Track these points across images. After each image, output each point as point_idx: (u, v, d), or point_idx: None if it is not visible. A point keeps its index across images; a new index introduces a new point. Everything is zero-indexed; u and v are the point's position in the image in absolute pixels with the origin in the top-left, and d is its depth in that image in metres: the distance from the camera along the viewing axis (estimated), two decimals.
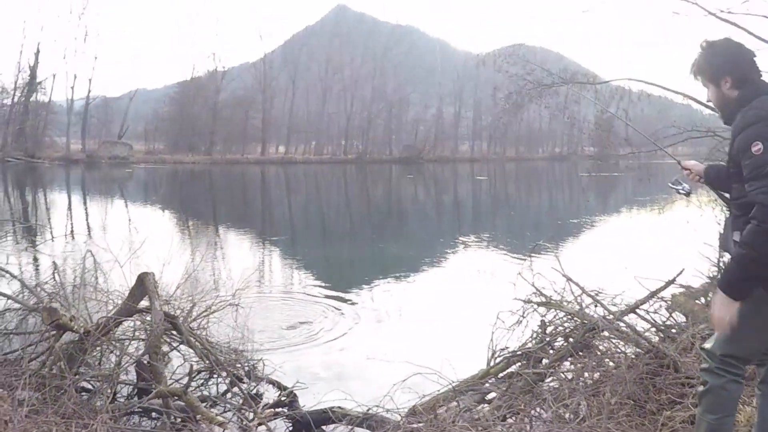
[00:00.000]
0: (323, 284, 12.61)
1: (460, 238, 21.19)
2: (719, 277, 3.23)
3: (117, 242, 7.98)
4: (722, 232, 3.62)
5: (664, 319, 6.79)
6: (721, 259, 7.28)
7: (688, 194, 4.13)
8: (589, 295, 6.36)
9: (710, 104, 3.66)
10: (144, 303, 6.18)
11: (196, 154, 76.35)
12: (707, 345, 3.46)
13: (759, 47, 3.63)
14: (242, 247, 17.22)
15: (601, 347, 5.77)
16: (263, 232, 22.59)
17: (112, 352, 6.19)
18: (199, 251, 12.60)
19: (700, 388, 3.45)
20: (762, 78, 3.42)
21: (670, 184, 4.02)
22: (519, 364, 6.06)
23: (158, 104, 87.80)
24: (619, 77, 10.98)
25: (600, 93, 11.48)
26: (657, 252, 8.35)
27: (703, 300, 7.70)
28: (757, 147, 3.07)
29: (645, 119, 16.86)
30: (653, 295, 6.58)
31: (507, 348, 6.34)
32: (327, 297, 11.38)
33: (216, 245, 17.79)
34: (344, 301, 11.06)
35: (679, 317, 7.10)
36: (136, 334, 6.45)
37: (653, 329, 6.26)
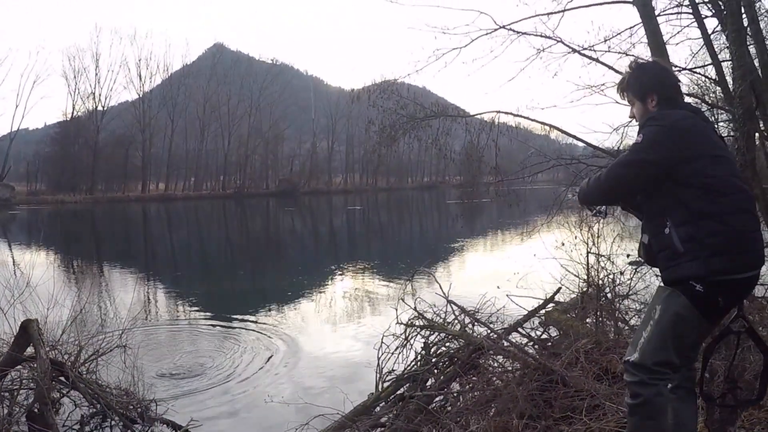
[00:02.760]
0: (212, 319, 12.21)
1: (343, 267, 21.07)
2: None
3: (0, 288, 7.38)
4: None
5: (540, 334, 6.84)
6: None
7: (604, 216, 4.14)
8: (470, 316, 6.33)
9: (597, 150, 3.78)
10: (31, 350, 5.76)
11: (78, 194, 73.34)
12: (632, 358, 3.25)
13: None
14: (129, 285, 16.48)
15: (486, 366, 5.71)
16: (149, 268, 21.75)
17: (1, 403, 5.71)
18: (85, 292, 11.88)
19: (630, 401, 3.22)
20: (684, 101, 3.55)
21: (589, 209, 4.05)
22: (407, 385, 5.95)
23: (39, 145, 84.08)
24: (489, 110, 11.10)
25: (470, 125, 11.62)
26: (530, 272, 8.43)
27: (573, 314, 7.79)
28: (639, 137, 3.25)
29: (512, 149, 17.24)
30: (534, 313, 6.63)
31: (394, 371, 6.24)
32: (215, 332, 11.02)
33: (102, 285, 16.91)
34: (232, 335, 10.71)
35: (555, 332, 7.17)
36: (25, 383, 5.99)
37: (535, 345, 6.27)
